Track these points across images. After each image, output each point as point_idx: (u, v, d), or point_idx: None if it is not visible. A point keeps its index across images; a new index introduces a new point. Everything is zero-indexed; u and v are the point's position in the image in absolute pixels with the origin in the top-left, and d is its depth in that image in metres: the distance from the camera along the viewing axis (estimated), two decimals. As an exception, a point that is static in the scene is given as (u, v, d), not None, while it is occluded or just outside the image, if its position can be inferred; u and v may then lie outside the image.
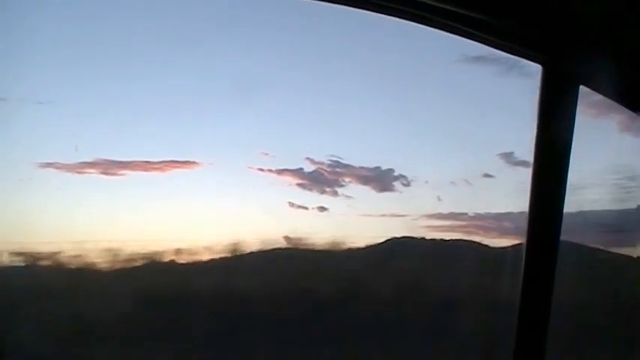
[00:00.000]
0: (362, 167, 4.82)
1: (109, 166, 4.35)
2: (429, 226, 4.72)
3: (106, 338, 3.88)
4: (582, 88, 1.75)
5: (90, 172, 4.34)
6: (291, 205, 4.69)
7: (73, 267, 4.15)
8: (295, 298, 4.18)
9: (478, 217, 4.79)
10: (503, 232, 4.63)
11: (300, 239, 4.55)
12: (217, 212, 4.61)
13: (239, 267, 4.42)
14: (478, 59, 3.86)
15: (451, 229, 4.75)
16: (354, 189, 4.79)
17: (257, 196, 4.62)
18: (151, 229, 4.53)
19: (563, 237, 1.82)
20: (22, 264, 4.04)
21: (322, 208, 4.69)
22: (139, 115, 4.44)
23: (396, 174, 4.76)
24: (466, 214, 4.79)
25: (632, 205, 3.61)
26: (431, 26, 1.73)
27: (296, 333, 4.09)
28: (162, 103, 4.45)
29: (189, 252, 4.40)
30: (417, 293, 4.33)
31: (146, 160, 4.41)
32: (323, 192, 4.73)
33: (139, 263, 4.25)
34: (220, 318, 4.08)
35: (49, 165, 4.19)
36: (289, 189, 4.69)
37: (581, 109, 1.77)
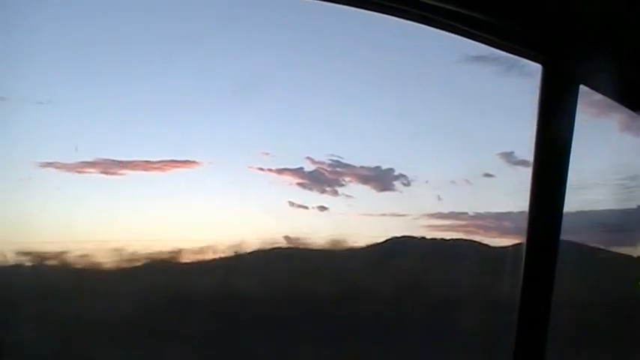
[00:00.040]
0: (362, 167, 4.82)
1: (109, 166, 4.35)
2: (429, 226, 4.72)
3: (105, 338, 3.88)
4: (582, 88, 1.76)
5: (90, 172, 4.35)
6: (292, 204, 4.70)
7: (73, 266, 4.15)
8: (295, 298, 4.18)
9: (478, 216, 4.80)
10: (504, 232, 4.64)
11: (300, 239, 4.56)
12: (217, 212, 4.62)
13: (239, 266, 4.42)
14: (478, 59, 3.86)
15: (451, 228, 4.76)
16: (354, 188, 4.79)
17: (257, 196, 4.62)
18: (150, 228, 4.53)
19: (563, 237, 1.83)
20: (22, 264, 4.05)
21: (322, 208, 4.69)
22: (138, 114, 4.44)
23: (396, 173, 4.76)
24: (466, 213, 4.80)
25: (633, 205, 3.61)
26: (431, 26, 1.73)
27: (296, 332, 4.09)
28: (162, 103, 4.45)
29: (190, 251, 4.40)
30: (418, 293, 4.33)
31: (146, 159, 4.41)
32: (323, 191, 4.73)
33: (138, 263, 4.25)
34: (220, 318, 4.08)
35: (49, 165, 4.19)
36: (289, 188, 4.69)
37: (581, 109, 1.78)
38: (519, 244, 1.90)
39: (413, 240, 4.67)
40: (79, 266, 4.15)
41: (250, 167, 4.61)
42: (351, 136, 4.75)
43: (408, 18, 1.72)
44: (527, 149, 1.84)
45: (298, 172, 4.70)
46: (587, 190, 3.34)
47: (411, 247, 4.71)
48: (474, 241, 4.75)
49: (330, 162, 4.72)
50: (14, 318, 3.61)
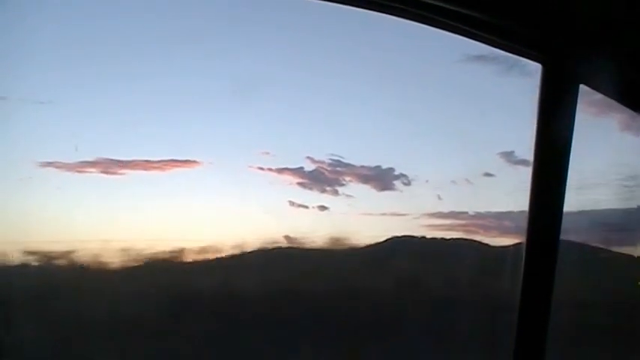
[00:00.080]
0: (362, 166, 4.82)
1: (109, 165, 4.36)
2: (429, 225, 4.72)
3: (104, 337, 3.88)
4: (582, 87, 1.76)
5: (90, 172, 4.35)
6: (292, 204, 4.70)
7: (73, 266, 4.15)
8: (295, 297, 4.18)
9: (479, 216, 4.80)
10: (504, 231, 4.64)
11: (300, 238, 4.56)
12: (218, 211, 4.62)
13: (239, 266, 4.42)
14: (479, 58, 3.86)
15: (452, 228, 4.76)
16: (354, 188, 4.79)
17: (257, 196, 4.62)
18: (151, 228, 4.53)
19: (563, 236, 1.83)
20: (22, 263, 4.05)
21: (323, 207, 4.69)
22: (139, 114, 4.45)
23: (396, 173, 4.76)
24: (466, 213, 4.80)
25: (633, 205, 3.61)
26: (431, 25, 1.73)
27: (296, 332, 4.09)
28: (162, 103, 4.45)
29: (190, 251, 4.40)
30: (418, 292, 4.33)
31: (146, 159, 4.41)
32: (323, 191, 4.73)
33: (139, 262, 4.25)
34: (220, 317, 4.08)
35: (49, 164, 4.20)
36: (289, 188, 4.69)
37: (581, 108, 1.78)
38: (519, 243, 1.90)
39: (413, 239, 4.67)
40: (79, 266, 4.15)
41: (250, 167, 4.62)
42: (351, 136, 4.75)
43: (408, 17, 1.72)
44: (527, 149, 1.84)
45: (298, 171, 4.71)
46: (587, 189, 3.34)
47: (412, 247, 4.71)
48: (474, 241, 4.75)
49: (330, 161, 4.72)
50: (14, 317, 3.61)
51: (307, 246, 4.55)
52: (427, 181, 4.82)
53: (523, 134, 1.92)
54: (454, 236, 4.80)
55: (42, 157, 4.13)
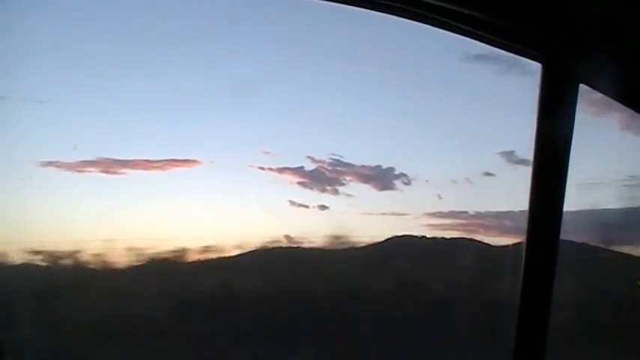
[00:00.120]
0: (363, 166, 4.83)
1: (109, 165, 4.36)
2: (429, 225, 4.73)
3: (104, 335, 3.88)
4: (582, 87, 1.76)
5: (90, 171, 4.36)
6: (292, 203, 4.70)
7: (73, 265, 4.16)
8: (295, 296, 4.19)
9: (479, 215, 4.80)
10: (504, 231, 4.64)
11: (300, 238, 4.56)
12: (218, 211, 4.63)
13: (239, 265, 4.42)
14: (479, 58, 3.86)
15: (452, 227, 4.76)
16: (354, 187, 4.80)
17: (258, 195, 4.63)
18: (151, 227, 4.54)
19: (563, 236, 1.83)
20: (22, 262, 4.05)
21: (323, 207, 4.70)
22: (139, 114, 4.46)
23: (396, 172, 4.76)
24: (467, 212, 4.80)
25: (633, 204, 3.61)
26: (432, 25, 1.73)
27: (296, 331, 4.10)
28: (163, 103, 4.46)
29: (190, 250, 4.41)
30: (418, 291, 4.33)
31: (146, 158, 4.42)
32: (324, 190, 4.73)
33: (139, 261, 4.25)
34: (220, 316, 4.08)
35: (49, 164, 4.20)
36: (290, 187, 4.70)
37: (581, 107, 1.78)
38: (519, 243, 1.90)
39: (413, 239, 4.67)
40: (79, 264, 4.16)
41: (251, 166, 4.63)
42: (351, 136, 4.76)
43: (408, 17, 1.72)
44: (527, 148, 1.84)
45: (299, 171, 4.71)
46: (587, 189, 3.34)
47: (412, 246, 4.71)
48: (475, 240, 4.76)
49: (330, 161, 4.73)
50: (13, 317, 3.61)
51: (307, 245, 4.56)
52: (427, 180, 4.83)
53: (523, 134, 1.92)
54: (454, 236, 4.81)
55: (42, 157, 4.14)
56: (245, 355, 4.04)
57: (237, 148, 4.54)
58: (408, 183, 4.77)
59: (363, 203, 4.89)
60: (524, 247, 1.84)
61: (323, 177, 4.71)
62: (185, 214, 4.47)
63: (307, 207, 4.66)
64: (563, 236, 1.82)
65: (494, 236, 4.80)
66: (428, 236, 4.68)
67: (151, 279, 4.21)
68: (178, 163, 4.44)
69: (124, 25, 4.15)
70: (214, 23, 4.18)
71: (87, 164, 4.31)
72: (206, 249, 4.43)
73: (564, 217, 1.82)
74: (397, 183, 4.78)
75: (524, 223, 1.85)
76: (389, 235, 4.66)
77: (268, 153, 4.63)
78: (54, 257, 4.10)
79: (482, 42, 1.76)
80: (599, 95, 1.80)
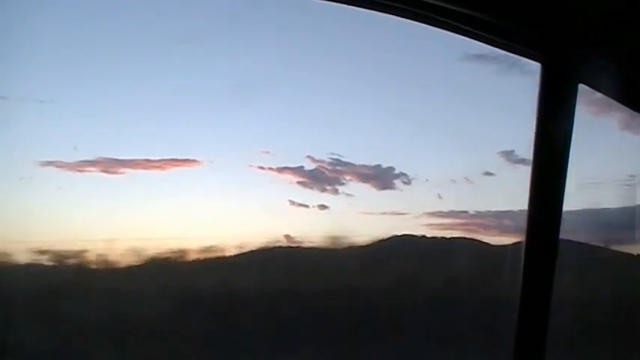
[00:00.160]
0: (362, 165, 4.83)
1: (109, 165, 4.36)
2: (429, 224, 4.73)
3: (103, 335, 3.89)
4: (582, 86, 1.76)
5: (90, 171, 4.35)
6: (292, 203, 4.70)
7: (73, 265, 4.16)
8: (295, 296, 4.19)
9: (479, 215, 4.80)
10: (504, 230, 4.65)
11: (300, 237, 4.56)
12: (218, 211, 4.62)
13: (239, 265, 4.43)
14: (479, 57, 3.87)
15: (452, 227, 4.77)
16: (354, 187, 4.80)
17: (257, 195, 4.63)
18: (151, 227, 4.53)
19: (562, 235, 1.83)
20: (22, 262, 4.05)
21: (323, 207, 4.70)
22: (139, 114, 4.45)
23: (396, 172, 4.77)
24: (467, 212, 4.80)
25: (632, 203, 3.61)
26: (432, 25, 1.73)
27: (296, 330, 4.10)
28: (163, 102, 4.45)
29: (190, 250, 4.41)
30: (418, 291, 4.34)
31: (146, 158, 4.42)
32: (323, 190, 4.74)
33: (139, 261, 4.26)
34: (220, 316, 4.09)
35: (49, 163, 4.20)
36: (290, 187, 4.70)
37: (581, 107, 1.78)
38: (519, 242, 1.91)
39: (413, 238, 4.67)
40: (79, 264, 4.16)
41: (251, 166, 4.63)
42: (351, 135, 4.76)
43: (408, 17, 1.73)
44: (527, 148, 1.84)
45: (299, 170, 4.71)
46: (587, 188, 3.35)
47: (412, 246, 4.71)
48: (474, 240, 4.76)
49: (330, 160, 4.73)
50: (14, 317, 3.62)
51: (307, 245, 4.56)
52: (427, 180, 4.83)
53: (523, 133, 1.92)
54: (454, 235, 4.81)
55: (43, 157, 4.14)
56: (245, 354, 4.05)
57: (237, 148, 4.54)
58: (407, 182, 4.78)
59: (363, 203, 4.90)
60: (523, 246, 1.85)
61: (323, 176, 4.71)
62: (185, 213, 4.48)
63: (307, 206, 4.67)
64: (562, 235, 1.83)
65: (494, 236, 4.81)
66: (428, 236, 4.69)
67: (151, 278, 4.21)
68: (178, 163, 4.44)
69: (124, 25, 4.15)
70: (214, 23, 4.18)
71: (87, 164, 4.31)
72: (206, 248, 4.44)
73: (564, 216, 1.82)
74: (397, 182, 4.78)
75: (523, 223, 1.85)
76: (389, 235, 4.66)
77: (268, 153, 4.64)
78: (53, 257, 4.10)
79: (482, 42, 1.76)
80: (598, 95, 1.81)
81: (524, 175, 1.87)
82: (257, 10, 4.04)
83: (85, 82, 4.22)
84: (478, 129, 4.46)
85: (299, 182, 4.71)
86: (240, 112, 4.50)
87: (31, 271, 4.02)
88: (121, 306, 3.96)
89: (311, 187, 4.72)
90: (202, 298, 4.14)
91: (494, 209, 4.74)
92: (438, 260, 4.63)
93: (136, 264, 4.25)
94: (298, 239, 4.56)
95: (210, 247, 4.43)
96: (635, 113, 1.86)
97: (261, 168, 4.59)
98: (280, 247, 4.50)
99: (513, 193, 4.36)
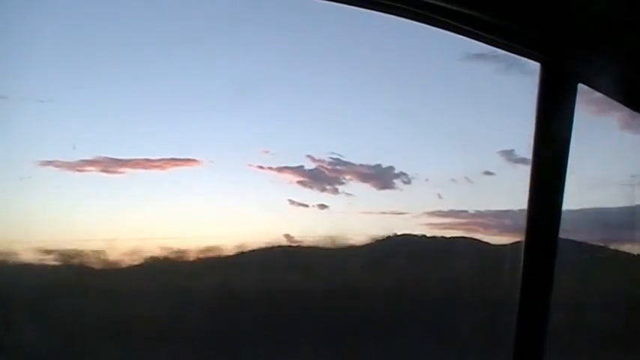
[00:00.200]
0: (362, 165, 4.83)
1: (109, 164, 4.36)
2: (429, 224, 4.73)
3: (102, 335, 3.89)
4: (581, 86, 1.76)
5: (90, 170, 4.36)
6: (292, 202, 4.71)
7: (72, 265, 4.16)
8: (295, 296, 4.19)
9: (478, 214, 4.81)
10: (504, 230, 4.65)
11: (300, 237, 4.57)
12: (218, 210, 4.63)
13: (239, 265, 4.43)
14: (478, 57, 3.87)
15: (451, 226, 4.77)
16: (354, 186, 4.80)
17: (257, 194, 4.63)
18: (150, 226, 4.54)
19: (562, 235, 1.83)
20: (22, 262, 4.05)
21: (322, 206, 4.70)
22: (139, 113, 4.46)
23: (396, 171, 4.77)
24: (466, 211, 4.81)
25: (632, 203, 3.62)
26: (432, 25, 1.73)
27: (296, 330, 4.10)
28: (162, 102, 4.46)
29: (190, 249, 4.41)
30: (418, 291, 4.34)
31: (146, 157, 4.42)
32: (323, 190, 4.74)
33: (138, 261, 4.26)
34: (220, 315, 4.09)
35: (49, 163, 4.20)
36: (289, 187, 4.70)
37: (581, 107, 1.78)
38: (519, 241, 1.91)
39: (413, 238, 4.68)
40: (79, 264, 4.16)
41: (250, 165, 4.63)
42: (351, 134, 4.76)
43: (408, 17, 1.73)
44: (527, 147, 1.84)
45: (298, 170, 4.71)
46: (586, 188, 3.35)
47: (412, 245, 4.72)
48: (474, 239, 4.76)
49: (330, 160, 4.73)
50: (14, 317, 3.62)
51: (307, 244, 4.56)
52: (427, 179, 4.83)
53: (523, 133, 1.92)
54: (454, 235, 4.82)
55: (42, 156, 4.14)
56: (245, 354, 4.05)
57: (237, 148, 4.55)
58: (407, 182, 4.78)
59: (363, 202, 4.90)
60: (523, 245, 1.85)
61: (322, 176, 4.72)
62: (185, 213, 4.48)
63: (307, 206, 4.67)
64: (562, 235, 1.83)
65: (494, 235, 4.81)
66: (427, 235, 4.69)
67: (151, 278, 4.21)
68: (178, 163, 4.45)
69: (124, 25, 4.15)
70: (214, 23, 4.19)
71: (87, 163, 4.31)
72: (206, 248, 4.44)
73: (563, 215, 1.82)
74: (397, 182, 4.79)
75: (523, 222, 1.86)
76: (388, 234, 4.67)
77: (268, 152, 4.64)
78: (53, 256, 4.10)
79: (482, 42, 1.76)
80: (598, 95, 1.81)
81: (524, 175, 1.87)
82: (257, 10, 4.04)
83: (85, 81, 4.22)
84: (478, 128, 4.46)
85: (299, 182, 4.71)
86: (240, 112, 4.51)
87: (30, 270, 4.02)
88: (120, 306, 3.96)
89: (311, 187, 4.72)
90: (202, 298, 4.14)
91: (494, 209, 4.75)
92: (437, 260, 4.63)
93: (136, 263, 4.25)
94: (298, 239, 4.57)
95: (210, 246, 4.43)
96: (635, 113, 1.86)
97: (261, 167, 4.60)
98: (280, 247, 4.50)
99: (513, 192, 4.37)
